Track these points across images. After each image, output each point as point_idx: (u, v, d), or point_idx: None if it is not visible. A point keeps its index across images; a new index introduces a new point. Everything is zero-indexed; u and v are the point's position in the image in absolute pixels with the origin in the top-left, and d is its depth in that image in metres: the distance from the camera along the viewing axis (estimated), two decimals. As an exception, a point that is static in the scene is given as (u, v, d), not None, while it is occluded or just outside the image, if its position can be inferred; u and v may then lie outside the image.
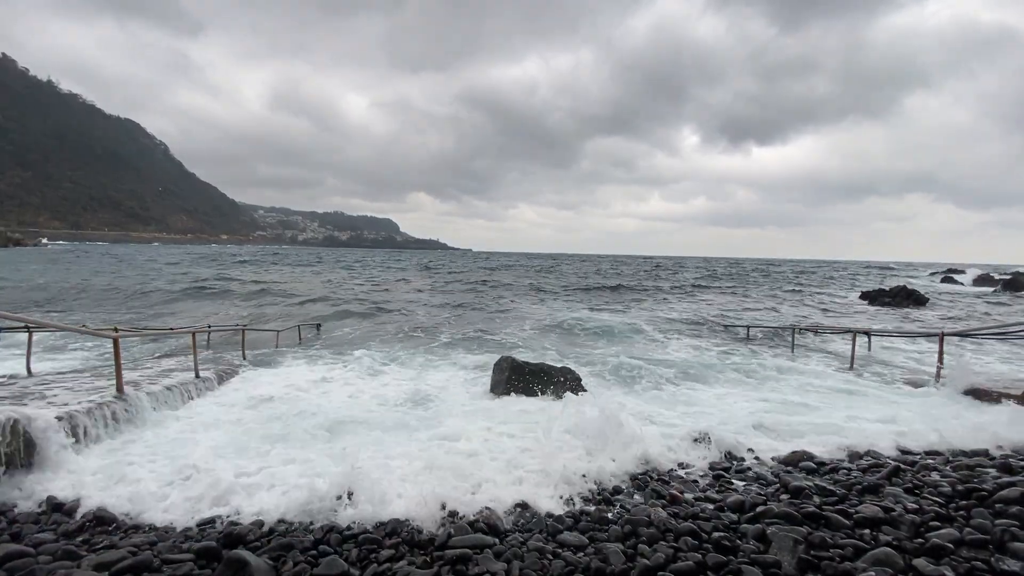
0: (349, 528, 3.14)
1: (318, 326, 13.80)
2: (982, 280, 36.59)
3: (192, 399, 6.13)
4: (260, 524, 3.20)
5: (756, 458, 4.62)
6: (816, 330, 12.64)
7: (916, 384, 7.76)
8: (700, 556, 2.68)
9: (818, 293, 28.50)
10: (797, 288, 31.98)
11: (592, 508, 3.56)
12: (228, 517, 3.33)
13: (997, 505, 3.15)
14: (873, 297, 23.46)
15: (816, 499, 3.44)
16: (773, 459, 4.60)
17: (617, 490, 3.92)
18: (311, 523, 3.23)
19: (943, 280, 40.68)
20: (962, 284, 37.43)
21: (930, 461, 4.35)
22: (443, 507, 3.37)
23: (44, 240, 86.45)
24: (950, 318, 17.70)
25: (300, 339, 11.93)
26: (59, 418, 4.22)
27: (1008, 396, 6.20)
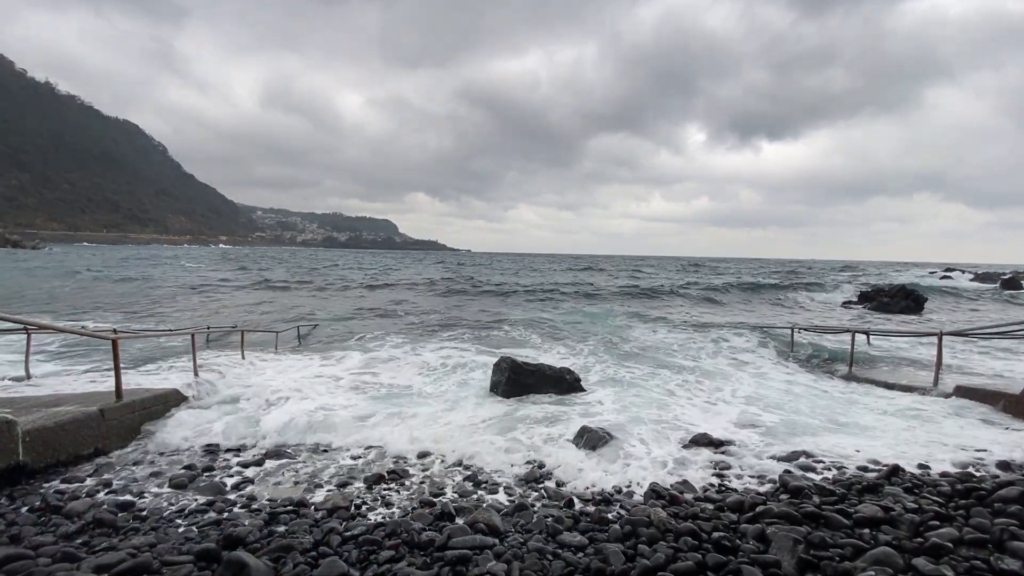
0: (349, 529, 3.15)
1: (314, 326, 13.88)
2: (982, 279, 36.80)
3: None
4: (260, 526, 3.20)
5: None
6: (815, 330, 12.66)
7: (909, 387, 7.70)
8: (700, 556, 2.68)
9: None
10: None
11: (592, 508, 3.57)
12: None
13: (996, 504, 3.16)
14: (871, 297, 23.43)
15: (815, 499, 3.44)
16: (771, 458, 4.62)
17: (617, 489, 3.94)
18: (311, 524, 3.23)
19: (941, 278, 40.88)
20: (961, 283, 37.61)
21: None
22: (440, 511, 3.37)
23: (56, 247, 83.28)
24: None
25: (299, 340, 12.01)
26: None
27: (1000, 397, 6.22)
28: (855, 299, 24.19)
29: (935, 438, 5.23)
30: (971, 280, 37.44)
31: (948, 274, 40.61)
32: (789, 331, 12.15)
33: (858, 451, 4.79)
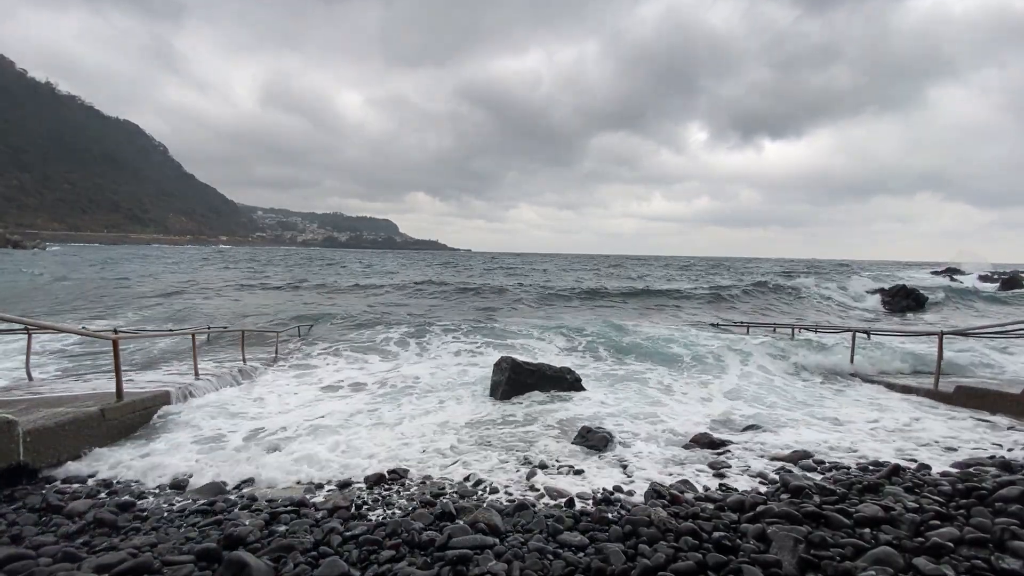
0: (349, 529, 3.15)
1: (310, 326, 13.88)
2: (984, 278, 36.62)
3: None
4: (261, 526, 3.20)
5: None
6: (816, 328, 12.65)
7: (911, 387, 7.68)
8: (701, 556, 2.68)
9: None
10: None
11: (592, 508, 3.57)
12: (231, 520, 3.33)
13: (997, 504, 3.15)
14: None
15: (816, 498, 3.44)
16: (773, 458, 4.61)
17: (618, 488, 3.93)
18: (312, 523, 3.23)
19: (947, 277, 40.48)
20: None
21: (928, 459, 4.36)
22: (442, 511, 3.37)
23: (54, 247, 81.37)
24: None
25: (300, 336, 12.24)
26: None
27: (1001, 397, 6.21)
28: (871, 300, 23.25)
29: (935, 439, 5.24)
30: (977, 280, 37.22)
31: (955, 276, 40.03)
32: (790, 330, 12.17)
33: (857, 452, 4.79)
